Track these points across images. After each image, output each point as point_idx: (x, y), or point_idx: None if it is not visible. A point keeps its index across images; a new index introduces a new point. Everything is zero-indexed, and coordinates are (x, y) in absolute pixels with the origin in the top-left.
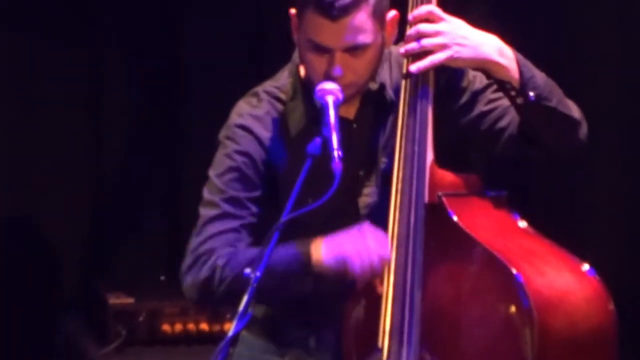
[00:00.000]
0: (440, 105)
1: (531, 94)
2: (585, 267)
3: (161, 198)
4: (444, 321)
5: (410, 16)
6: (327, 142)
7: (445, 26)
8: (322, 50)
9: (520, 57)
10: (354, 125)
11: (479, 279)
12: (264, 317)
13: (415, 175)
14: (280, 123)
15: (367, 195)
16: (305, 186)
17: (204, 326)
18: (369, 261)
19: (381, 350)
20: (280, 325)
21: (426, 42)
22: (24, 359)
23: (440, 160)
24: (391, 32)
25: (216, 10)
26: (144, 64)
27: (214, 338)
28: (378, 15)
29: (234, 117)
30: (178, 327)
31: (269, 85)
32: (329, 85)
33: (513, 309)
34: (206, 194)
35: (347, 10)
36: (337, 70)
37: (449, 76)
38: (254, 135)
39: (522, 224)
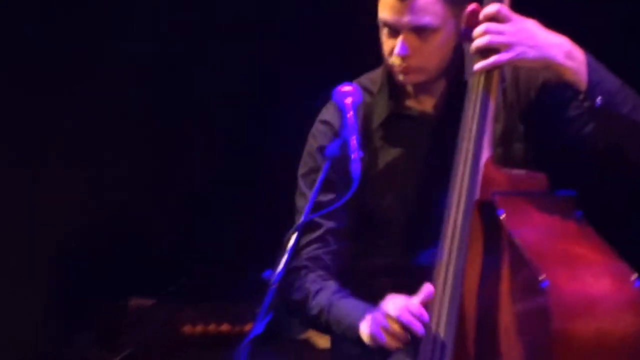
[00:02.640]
0: (539, 115)
1: (598, 98)
2: (632, 276)
3: (180, 201)
4: (477, 318)
5: (480, 14)
6: (346, 144)
7: (512, 26)
8: (390, 29)
9: (593, 61)
10: (433, 121)
11: (511, 279)
12: None
13: (467, 173)
14: (364, 115)
15: (446, 192)
16: (386, 180)
17: (225, 328)
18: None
19: None
20: None
21: (492, 39)
22: (50, 357)
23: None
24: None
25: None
26: None
27: (235, 340)
28: (451, 1)
29: (322, 112)
30: (199, 328)
31: (364, 76)
32: (347, 87)
33: (535, 313)
34: (296, 197)
35: None
36: (401, 49)
37: (553, 85)
38: (334, 130)
39: (581, 226)
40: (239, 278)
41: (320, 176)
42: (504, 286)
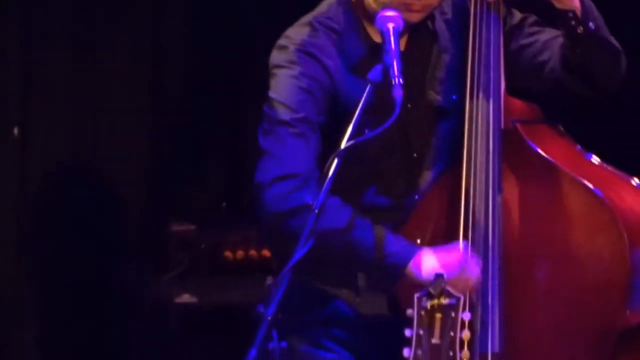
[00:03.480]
0: None
1: (591, 23)
2: None
3: (222, 128)
4: (524, 247)
5: None
6: (387, 69)
7: None
8: None
9: None
10: (406, 58)
11: (563, 204)
12: None
13: (492, 103)
14: (339, 54)
15: (416, 129)
16: (362, 116)
17: (265, 253)
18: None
19: None
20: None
21: None
22: (91, 284)
23: None
24: None
25: None
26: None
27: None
28: None
29: (292, 44)
30: (240, 254)
31: (320, 15)
32: (390, 13)
33: (603, 233)
34: (276, 114)
35: None
36: None
37: None
38: (320, 63)
39: (586, 151)
40: None
41: (362, 100)
42: (556, 214)
